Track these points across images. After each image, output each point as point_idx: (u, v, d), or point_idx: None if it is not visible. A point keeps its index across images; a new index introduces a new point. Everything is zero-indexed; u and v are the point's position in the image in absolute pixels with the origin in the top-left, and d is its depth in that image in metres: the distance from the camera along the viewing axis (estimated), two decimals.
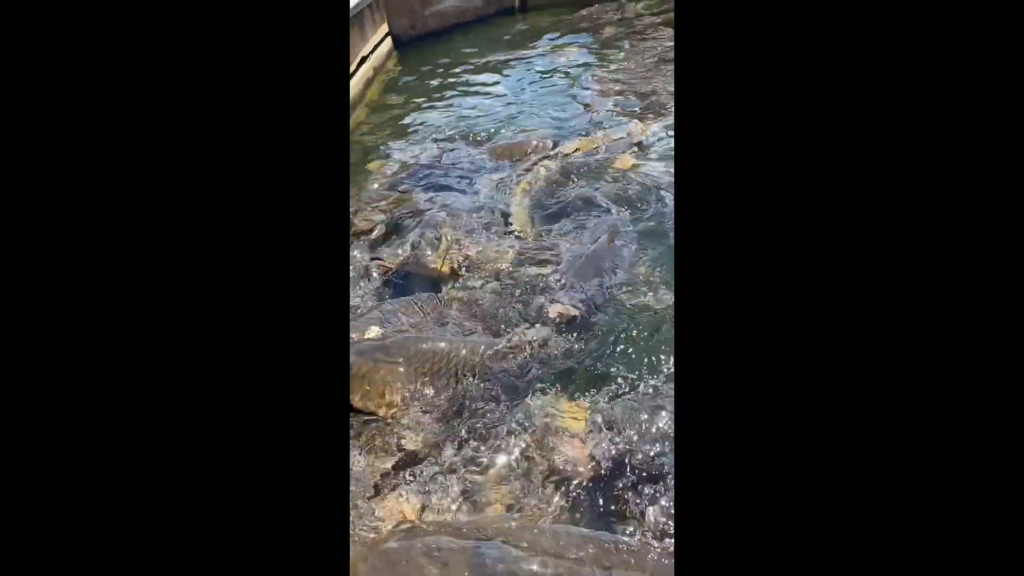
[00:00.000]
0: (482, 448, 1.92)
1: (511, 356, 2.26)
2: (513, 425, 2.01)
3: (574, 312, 2.51)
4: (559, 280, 2.69)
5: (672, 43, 5.35)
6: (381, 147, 4.58)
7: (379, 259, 2.96)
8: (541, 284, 2.69)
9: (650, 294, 2.63)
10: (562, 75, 5.54)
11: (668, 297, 2.57)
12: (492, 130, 4.57)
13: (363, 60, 5.75)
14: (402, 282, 2.90)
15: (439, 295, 2.74)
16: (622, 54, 5.73)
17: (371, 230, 3.31)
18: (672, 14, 6.13)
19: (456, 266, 2.91)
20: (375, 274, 2.93)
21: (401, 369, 2.14)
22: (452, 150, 4.31)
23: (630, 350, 2.34)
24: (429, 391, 2.14)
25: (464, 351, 2.23)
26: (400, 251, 3.02)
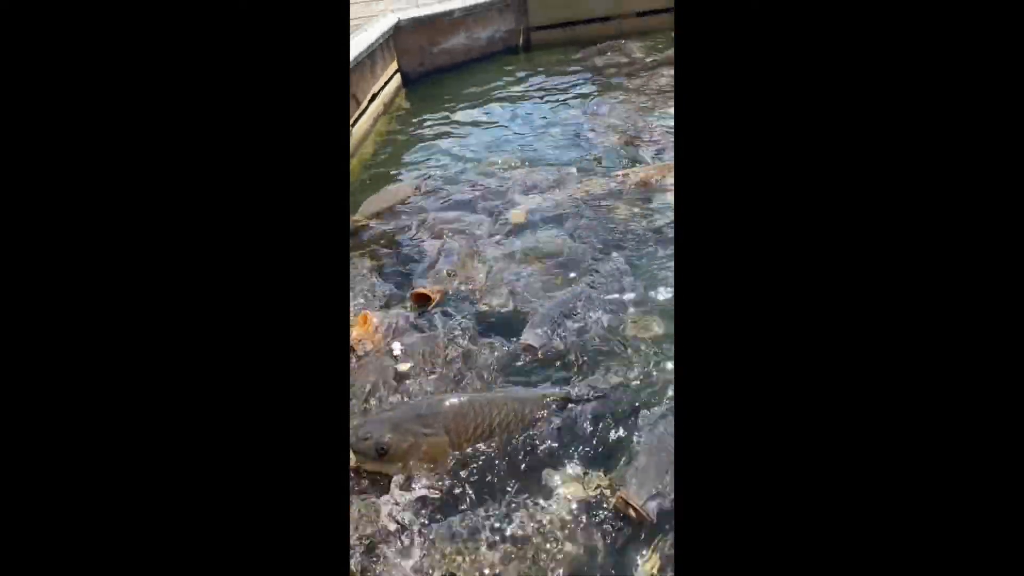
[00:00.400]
0: (497, 533, 1.80)
1: (545, 416, 2.19)
2: (534, 502, 1.90)
3: (540, 344, 2.51)
4: (538, 315, 2.70)
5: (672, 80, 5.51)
6: (391, 178, 4.72)
7: (421, 290, 2.95)
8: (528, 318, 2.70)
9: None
10: (567, 110, 5.71)
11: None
12: (500, 161, 4.68)
13: (374, 96, 5.94)
14: (432, 312, 2.90)
15: (451, 326, 2.76)
16: (625, 90, 5.92)
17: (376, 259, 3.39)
18: (671, 51, 6.34)
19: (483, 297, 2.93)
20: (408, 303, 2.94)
21: (446, 439, 2.08)
22: (461, 181, 4.42)
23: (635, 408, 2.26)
24: (469, 459, 2.08)
25: (503, 412, 2.16)
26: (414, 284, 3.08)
